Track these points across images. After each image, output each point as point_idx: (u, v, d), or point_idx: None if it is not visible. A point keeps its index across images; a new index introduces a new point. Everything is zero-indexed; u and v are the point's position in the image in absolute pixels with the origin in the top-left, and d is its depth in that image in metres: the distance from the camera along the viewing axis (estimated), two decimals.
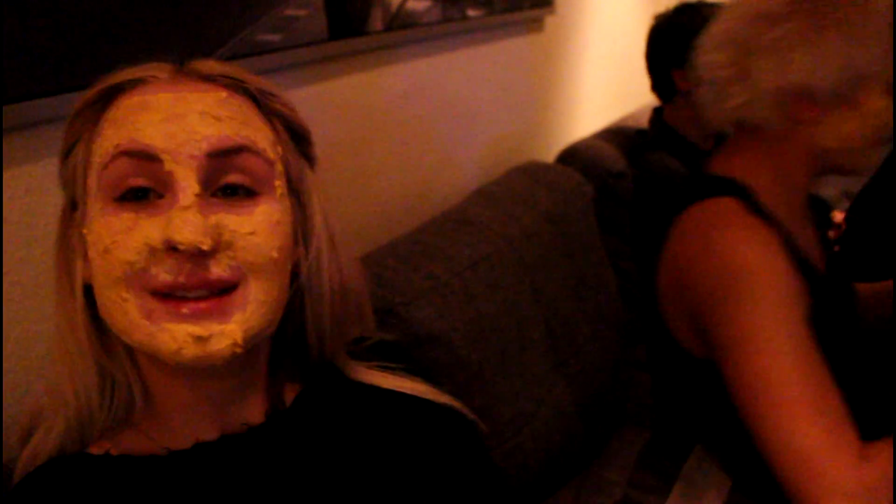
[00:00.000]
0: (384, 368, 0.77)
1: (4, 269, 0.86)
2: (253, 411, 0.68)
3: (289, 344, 0.74)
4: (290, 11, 1.17)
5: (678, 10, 1.92)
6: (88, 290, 0.63)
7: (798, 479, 0.89)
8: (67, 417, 0.64)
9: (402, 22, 1.44)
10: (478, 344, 1.18)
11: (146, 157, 0.58)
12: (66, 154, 0.65)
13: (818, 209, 1.29)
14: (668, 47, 1.93)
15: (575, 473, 1.17)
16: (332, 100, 1.34)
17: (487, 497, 0.73)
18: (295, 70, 1.23)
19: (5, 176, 0.84)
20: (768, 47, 1.01)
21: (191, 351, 0.56)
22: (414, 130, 1.57)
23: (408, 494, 0.68)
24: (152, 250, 0.57)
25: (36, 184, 0.88)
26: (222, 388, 0.65)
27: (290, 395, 0.73)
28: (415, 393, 0.76)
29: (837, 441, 0.88)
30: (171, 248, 0.56)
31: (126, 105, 0.61)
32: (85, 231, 0.61)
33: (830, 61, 0.99)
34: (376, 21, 1.37)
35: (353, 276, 0.75)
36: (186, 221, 0.55)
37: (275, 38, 1.15)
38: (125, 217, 0.58)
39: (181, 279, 0.57)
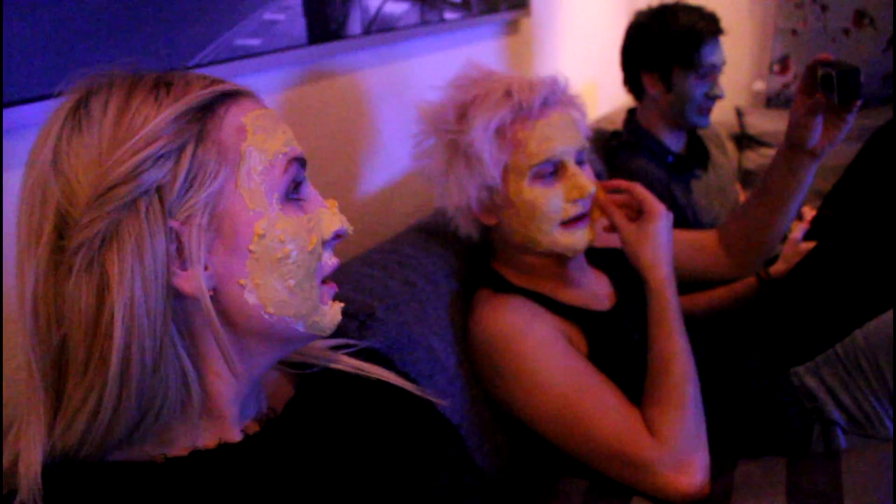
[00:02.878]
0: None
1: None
2: (253, 415, 0.71)
3: None
4: (269, 16, 1.17)
5: (655, 13, 1.93)
6: None
7: (623, 474, 1.05)
8: (87, 426, 0.60)
9: (380, 25, 1.45)
10: (455, 348, 1.20)
11: (303, 165, 0.69)
12: (161, 157, 0.59)
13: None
14: (640, 49, 1.95)
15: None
16: (311, 103, 1.34)
17: (470, 491, 0.76)
18: (274, 74, 1.23)
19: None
20: (432, 180, 1.23)
21: (339, 319, 0.71)
22: (393, 133, 1.57)
23: (401, 491, 0.71)
24: (322, 243, 0.68)
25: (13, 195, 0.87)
26: (258, 379, 0.71)
27: (280, 396, 0.75)
28: (399, 384, 0.81)
29: (628, 431, 1.04)
30: (336, 237, 0.70)
31: (259, 114, 0.66)
32: (261, 231, 0.63)
33: (467, 183, 1.17)
34: (355, 25, 1.38)
35: None
36: (338, 215, 0.70)
37: (254, 42, 1.15)
38: (305, 217, 0.67)
39: (336, 260, 0.70)
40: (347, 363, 0.81)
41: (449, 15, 1.69)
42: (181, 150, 0.60)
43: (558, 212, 1.16)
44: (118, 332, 0.57)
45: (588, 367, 1.12)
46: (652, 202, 1.21)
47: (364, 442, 0.73)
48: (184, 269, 0.61)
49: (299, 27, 1.25)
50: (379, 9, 1.44)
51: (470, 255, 1.35)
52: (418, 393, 0.82)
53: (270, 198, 0.64)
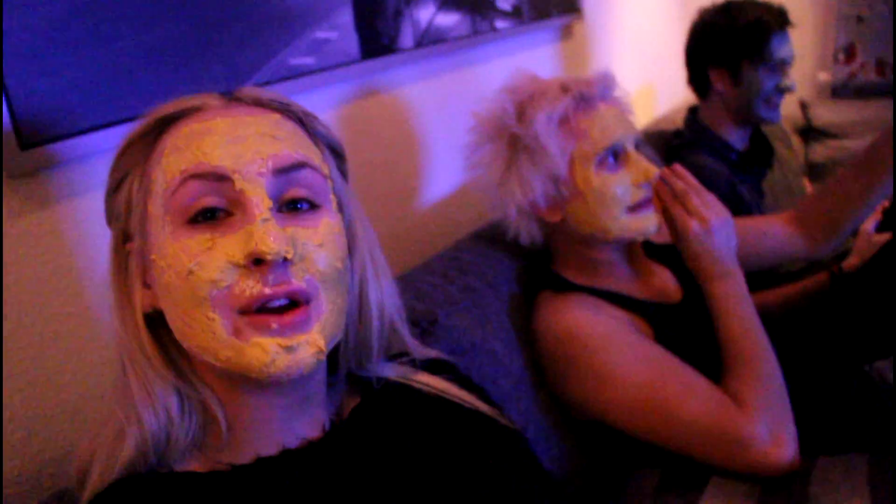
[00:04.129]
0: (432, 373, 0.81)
1: (59, 302, 0.89)
2: (312, 427, 0.70)
3: (338, 356, 0.76)
4: (320, 34, 1.20)
5: (721, 9, 1.91)
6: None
7: (716, 453, 1.03)
8: (143, 440, 0.64)
9: (432, 38, 1.46)
10: (518, 352, 1.20)
11: (216, 178, 0.61)
12: (116, 188, 0.68)
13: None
14: (707, 44, 1.92)
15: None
16: (365, 118, 1.36)
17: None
18: (329, 90, 1.26)
19: (60, 208, 0.88)
20: (489, 188, 1.24)
21: (282, 362, 0.59)
22: (449, 144, 1.58)
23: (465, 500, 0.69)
24: (235, 267, 0.59)
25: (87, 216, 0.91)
26: (288, 402, 0.67)
27: (347, 409, 0.75)
28: (464, 402, 0.78)
29: (719, 406, 1.04)
30: (255, 261, 0.59)
31: (185, 132, 0.63)
32: (154, 257, 0.62)
33: (532, 178, 1.18)
34: (407, 38, 1.40)
35: (391, 292, 0.78)
36: (269, 233, 0.58)
37: (308, 60, 1.18)
38: (201, 238, 0.60)
39: (267, 290, 0.59)
40: (415, 379, 0.80)
41: (500, 24, 1.69)
42: (122, 181, 0.67)
43: (626, 196, 1.16)
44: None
45: (663, 351, 1.11)
46: (682, 226, 1.17)
47: (426, 451, 0.72)
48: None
49: (352, 44, 1.27)
50: (430, 21, 1.46)
51: (529, 259, 1.34)
52: (484, 409, 0.80)
53: (164, 222, 0.62)
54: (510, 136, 1.19)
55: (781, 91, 1.88)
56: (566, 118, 1.17)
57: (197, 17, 1.00)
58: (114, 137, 0.87)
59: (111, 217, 0.69)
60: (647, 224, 1.19)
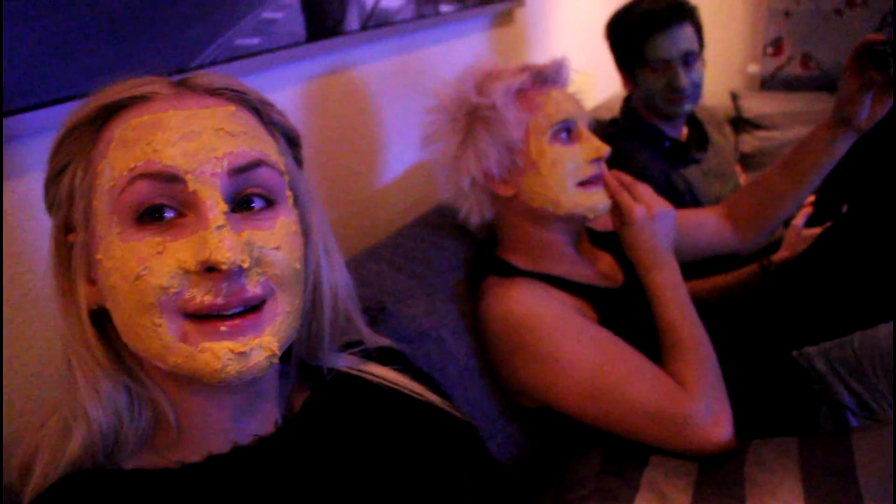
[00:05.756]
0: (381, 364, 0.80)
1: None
2: (264, 422, 0.69)
3: (291, 347, 0.75)
4: (267, 14, 1.17)
5: (617, 11, 1.92)
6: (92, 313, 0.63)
7: (661, 433, 1.07)
8: (90, 438, 0.62)
9: (377, 20, 1.45)
10: (465, 338, 1.21)
11: (167, 179, 0.57)
12: (57, 175, 0.63)
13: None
14: (611, 48, 1.96)
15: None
16: (311, 101, 1.34)
17: (492, 494, 0.75)
18: (275, 72, 1.23)
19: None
20: (443, 164, 1.26)
21: (234, 367, 0.57)
22: (393, 128, 1.57)
23: (420, 496, 0.69)
24: (186, 273, 0.56)
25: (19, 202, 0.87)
26: (238, 400, 0.66)
27: (298, 402, 0.74)
28: (416, 395, 0.79)
29: (664, 388, 1.08)
30: (209, 269, 0.56)
31: (134, 124, 0.59)
32: (100, 257, 0.59)
33: (487, 147, 1.20)
34: (353, 21, 1.38)
35: (345, 280, 0.76)
36: (224, 241, 0.55)
37: (254, 41, 1.15)
38: (151, 241, 0.57)
39: (219, 300, 0.57)
40: (366, 370, 0.79)
41: (444, 7, 1.68)
42: (65, 168, 0.63)
43: (577, 171, 1.19)
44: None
45: (609, 334, 1.14)
46: (628, 211, 1.23)
47: (379, 445, 0.72)
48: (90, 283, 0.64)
49: (298, 25, 1.24)
50: (375, 4, 1.44)
51: (475, 246, 1.35)
52: (435, 401, 0.80)
53: (111, 221, 0.58)
54: (469, 107, 1.21)
55: (674, 90, 1.81)
56: (523, 91, 1.21)
57: None
58: (51, 118, 0.85)
59: (52, 204, 0.65)
60: (597, 201, 1.21)
